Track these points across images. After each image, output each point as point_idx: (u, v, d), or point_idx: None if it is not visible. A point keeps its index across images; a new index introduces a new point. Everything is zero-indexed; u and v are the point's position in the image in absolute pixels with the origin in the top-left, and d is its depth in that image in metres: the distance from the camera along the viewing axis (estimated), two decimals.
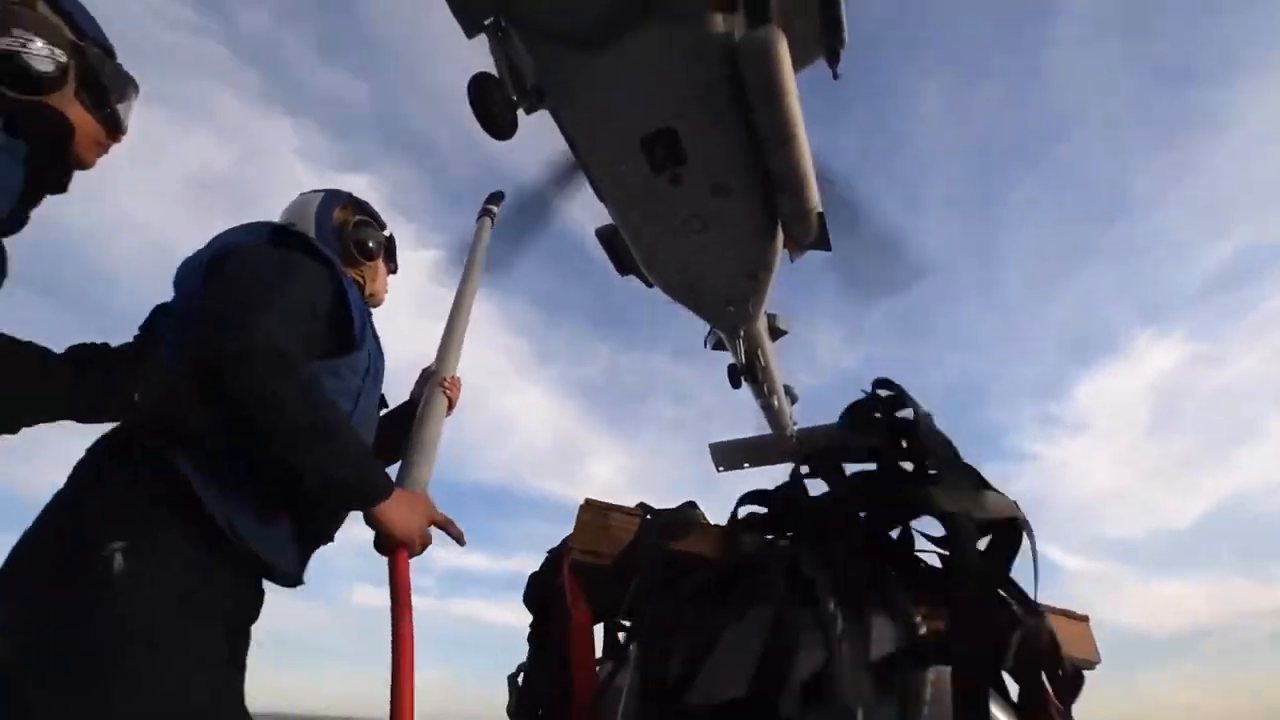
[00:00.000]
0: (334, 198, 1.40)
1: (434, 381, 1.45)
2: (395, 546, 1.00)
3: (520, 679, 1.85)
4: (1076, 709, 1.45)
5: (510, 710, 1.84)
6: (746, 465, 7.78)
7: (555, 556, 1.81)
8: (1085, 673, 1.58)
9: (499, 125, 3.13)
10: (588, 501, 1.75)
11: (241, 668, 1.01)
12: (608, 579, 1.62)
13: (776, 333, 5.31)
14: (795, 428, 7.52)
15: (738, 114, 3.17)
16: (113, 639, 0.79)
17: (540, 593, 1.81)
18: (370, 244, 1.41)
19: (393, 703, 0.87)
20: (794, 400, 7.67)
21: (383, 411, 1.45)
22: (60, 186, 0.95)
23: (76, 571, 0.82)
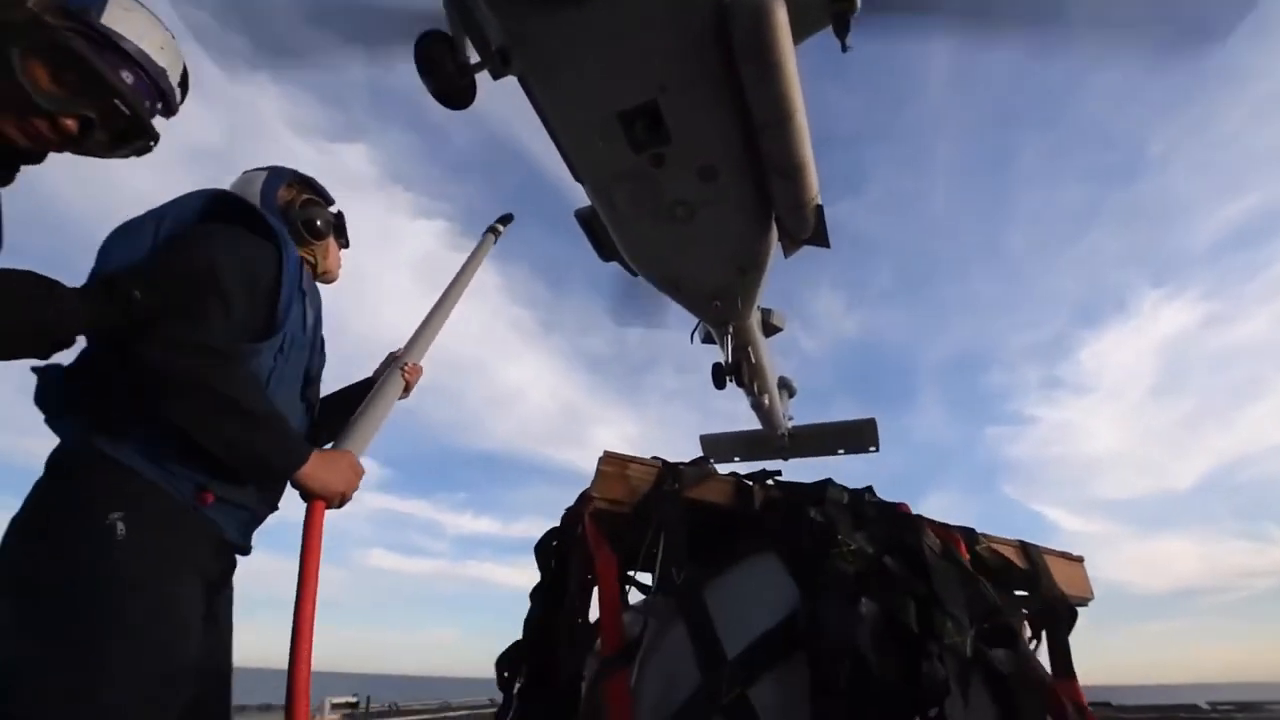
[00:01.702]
0: (278, 175, 1.38)
1: (395, 363, 1.53)
2: (312, 499, 1.10)
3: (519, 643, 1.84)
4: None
5: (528, 623, 1.84)
6: (736, 459, 7.55)
7: (575, 510, 1.88)
8: (1079, 608, 1.78)
9: (452, 92, 2.76)
10: (607, 454, 1.81)
11: (218, 620, 1.12)
12: (627, 526, 1.70)
13: (770, 329, 4.96)
14: (790, 424, 7.23)
15: (729, 88, 2.78)
16: (114, 598, 0.90)
17: (556, 544, 1.90)
18: (318, 222, 1.39)
19: (293, 642, 0.97)
20: (791, 394, 7.36)
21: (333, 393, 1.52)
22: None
23: (79, 539, 0.92)
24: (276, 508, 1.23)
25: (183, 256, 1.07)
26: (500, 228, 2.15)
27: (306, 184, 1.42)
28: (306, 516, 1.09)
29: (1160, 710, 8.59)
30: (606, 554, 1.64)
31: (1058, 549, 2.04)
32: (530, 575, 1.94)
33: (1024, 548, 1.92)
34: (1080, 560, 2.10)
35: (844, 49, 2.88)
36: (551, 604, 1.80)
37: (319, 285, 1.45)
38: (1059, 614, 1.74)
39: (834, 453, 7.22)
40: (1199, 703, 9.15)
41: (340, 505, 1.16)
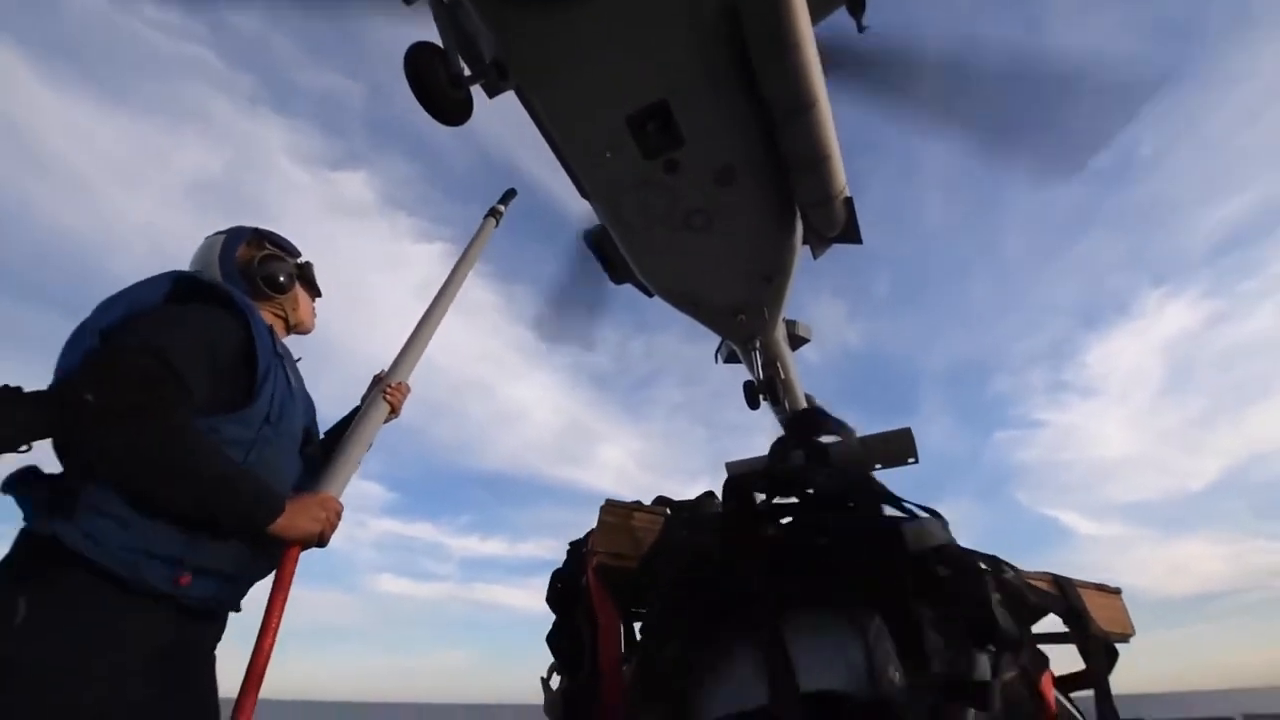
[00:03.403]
0: (236, 236, 1.39)
1: (379, 387, 1.51)
2: (288, 546, 1.15)
3: (552, 681, 1.90)
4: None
5: (548, 708, 1.86)
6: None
7: (578, 555, 1.86)
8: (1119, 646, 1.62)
9: (446, 107, 2.57)
10: (608, 503, 1.75)
11: (191, 689, 1.09)
12: (632, 579, 1.63)
13: (797, 341, 4.67)
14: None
15: (745, 81, 2.57)
16: (3, 673, 0.89)
17: (564, 592, 1.87)
18: (280, 277, 1.40)
19: (248, 673, 1.03)
20: None
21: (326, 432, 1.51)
22: None
23: None
24: (274, 565, 1.18)
25: (132, 348, 1.07)
26: (501, 208, 1.98)
27: (267, 239, 1.43)
28: (280, 562, 1.14)
29: None
30: (609, 613, 1.61)
31: (1092, 581, 1.89)
32: (535, 594, 1.98)
33: (1057, 581, 1.72)
34: (1118, 592, 1.96)
35: (860, 29, 2.69)
36: (567, 652, 1.79)
37: (296, 336, 1.49)
38: (1101, 654, 1.55)
39: (870, 469, 6.82)
40: (1234, 716, 8.78)
41: (322, 545, 1.20)
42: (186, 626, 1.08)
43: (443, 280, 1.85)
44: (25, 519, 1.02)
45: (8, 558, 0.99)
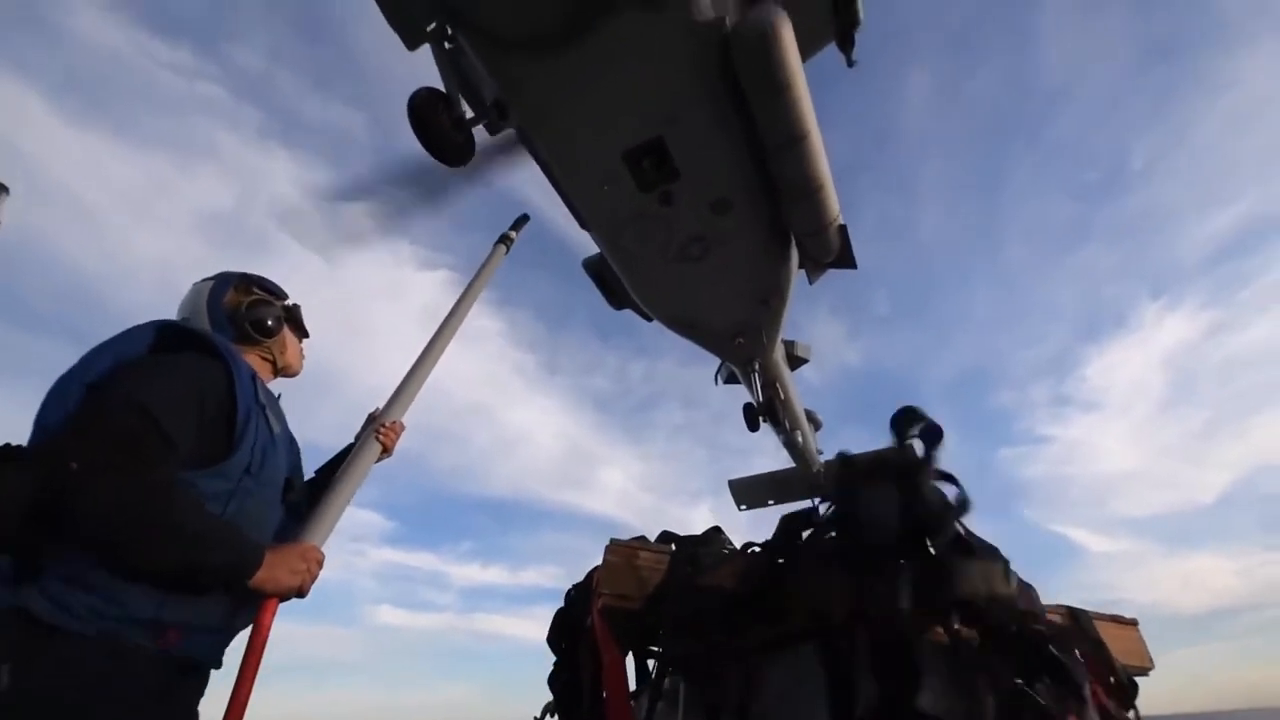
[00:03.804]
0: (224, 282, 1.39)
1: (372, 426, 1.50)
2: (268, 598, 1.13)
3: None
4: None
5: None
6: (770, 503, 7.11)
7: (581, 595, 1.85)
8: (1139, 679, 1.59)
9: (451, 150, 2.65)
10: (613, 542, 1.74)
11: None
12: (639, 620, 1.63)
13: (796, 361, 4.72)
14: (822, 459, 6.85)
15: (737, 115, 2.65)
16: None
17: (565, 632, 1.86)
18: (268, 321, 1.40)
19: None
20: (818, 428, 6.99)
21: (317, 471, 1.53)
22: None
23: None
24: (250, 620, 1.16)
25: (116, 406, 1.05)
26: (513, 234, 2.01)
27: (254, 283, 1.43)
28: (257, 615, 1.13)
29: None
30: (614, 655, 1.58)
31: (1107, 614, 1.87)
32: (535, 623, 1.98)
33: (1073, 614, 1.70)
34: (1134, 623, 1.92)
35: (849, 64, 2.78)
36: (565, 693, 1.78)
37: (284, 379, 1.49)
38: (1121, 689, 1.52)
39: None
40: None
41: (301, 596, 1.19)
42: (173, 684, 1.06)
43: (447, 310, 1.82)
44: None
45: None
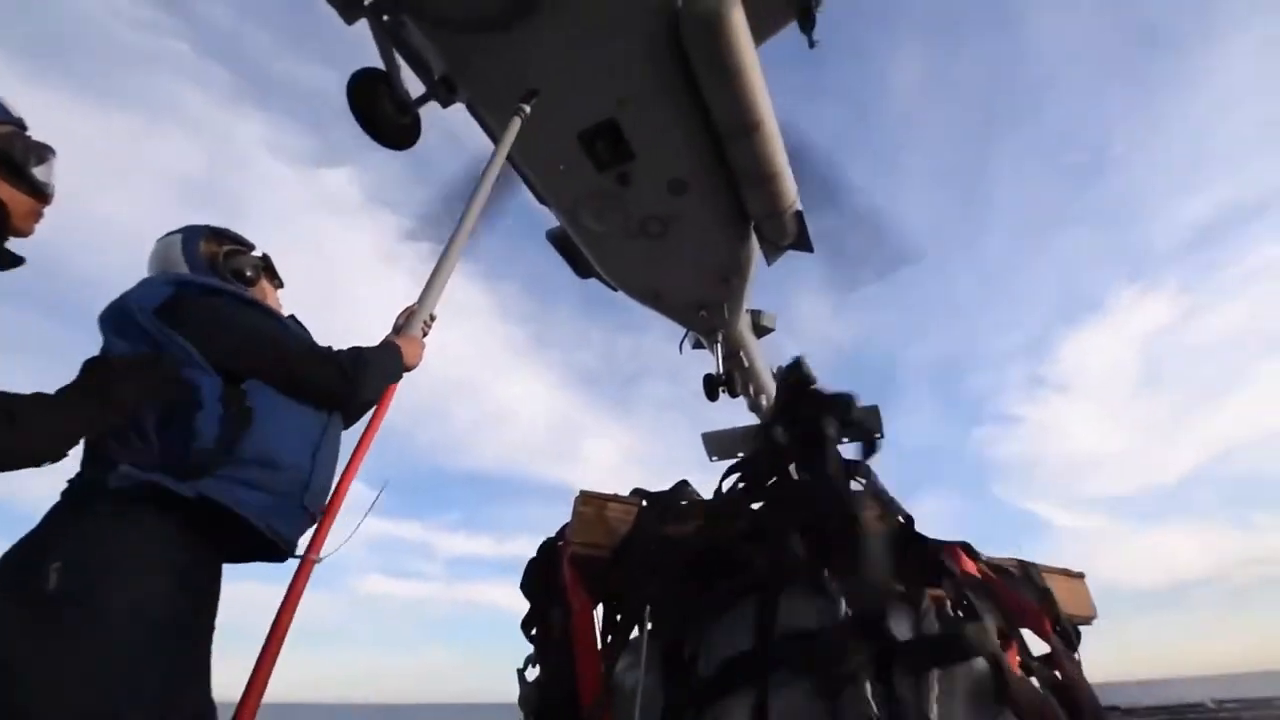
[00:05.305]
0: (193, 234, 1.40)
1: (417, 319, 1.62)
2: (307, 555, 1.25)
3: (529, 671, 1.92)
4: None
5: (523, 702, 1.88)
6: (741, 455, 7.39)
7: (552, 546, 1.90)
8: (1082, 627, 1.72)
9: (392, 133, 2.58)
10: (583, 494, 1.76)
11: (195, 652, 1.12)
12: (608, 568, 1.67)
13: (761, 330, 4.78)
14: None
15: (691, 98, 2.59)
16: (43, 642, 0.93)
17: (537, 581, 1.91)
18: (247, 271, 1.45)
19: (252, 678, 1.10)
20: None
21: None
22: (9, 262, 1.05)
23: (25, 587, 0.97)
24: (323, 505, 1.30)
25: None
26: (525, 106, 2.08)
27: (223, 236, 1.45)
28: (295, 577, 1.21)
29: (1170, 711, 8.72)
30: (583, 601, 1.63)
31: (1057, 566, 1.98)
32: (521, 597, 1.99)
33: (1024, 566, 1.84)
34: (1081, 576, 2.03)
35: (811, 44, 2.69)
36: (542, 639, 1.84)
37: None
38: (1065, 634, 1.62)
39: (839, 442, 7.05)
40: (1205, 700, 9.33)
41: (416, 364, 1.55)
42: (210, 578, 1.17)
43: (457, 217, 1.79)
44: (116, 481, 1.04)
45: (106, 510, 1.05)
